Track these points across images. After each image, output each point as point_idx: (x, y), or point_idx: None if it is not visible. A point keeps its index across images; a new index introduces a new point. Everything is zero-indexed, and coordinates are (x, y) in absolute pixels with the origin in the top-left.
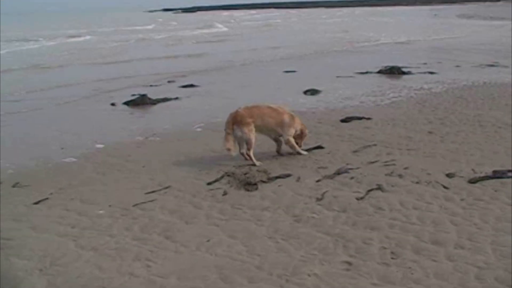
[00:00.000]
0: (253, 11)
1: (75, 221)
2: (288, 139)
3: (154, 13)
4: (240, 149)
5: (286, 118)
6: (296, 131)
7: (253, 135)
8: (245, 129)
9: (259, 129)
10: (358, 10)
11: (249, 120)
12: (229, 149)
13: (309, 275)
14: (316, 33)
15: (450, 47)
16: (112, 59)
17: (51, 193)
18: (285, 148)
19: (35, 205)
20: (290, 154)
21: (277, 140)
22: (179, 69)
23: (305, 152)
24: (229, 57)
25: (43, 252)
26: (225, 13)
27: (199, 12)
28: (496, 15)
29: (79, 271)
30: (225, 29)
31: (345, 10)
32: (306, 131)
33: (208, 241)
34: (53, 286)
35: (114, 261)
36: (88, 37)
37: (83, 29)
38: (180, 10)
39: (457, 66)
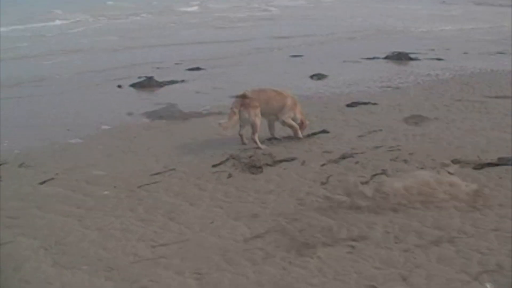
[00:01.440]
0: None
1: (80, 202)
2: (284, 120)
3: None
4: (239, 130)
5: (289, 101)
6: (295, 118)
7: (258, 119)
8: (252, 113)
9: (263, 113)
10: None
11: (257, 103)
12: (225, 128)
13: (312, 258)
14: (347, 20)
15: (458, 34)
16: (158, 42)
17: (57, 174)
18: (287, 131)
19: (40, 185)
20: (288, 137)
21: (272, 126)
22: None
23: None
24: (256, 44)
25: (48, 232)
26: None
27: None
28: (506, 2)
29: (84, 251)
30: (278, 11)
31: None
32: (307, 122)
33: (212, 223)
34: (58, 265)
35: (119, 241)
36: (140, 17)
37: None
38: None
39: (465, 53)
